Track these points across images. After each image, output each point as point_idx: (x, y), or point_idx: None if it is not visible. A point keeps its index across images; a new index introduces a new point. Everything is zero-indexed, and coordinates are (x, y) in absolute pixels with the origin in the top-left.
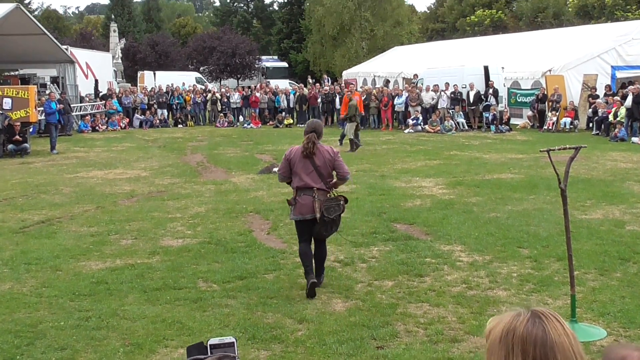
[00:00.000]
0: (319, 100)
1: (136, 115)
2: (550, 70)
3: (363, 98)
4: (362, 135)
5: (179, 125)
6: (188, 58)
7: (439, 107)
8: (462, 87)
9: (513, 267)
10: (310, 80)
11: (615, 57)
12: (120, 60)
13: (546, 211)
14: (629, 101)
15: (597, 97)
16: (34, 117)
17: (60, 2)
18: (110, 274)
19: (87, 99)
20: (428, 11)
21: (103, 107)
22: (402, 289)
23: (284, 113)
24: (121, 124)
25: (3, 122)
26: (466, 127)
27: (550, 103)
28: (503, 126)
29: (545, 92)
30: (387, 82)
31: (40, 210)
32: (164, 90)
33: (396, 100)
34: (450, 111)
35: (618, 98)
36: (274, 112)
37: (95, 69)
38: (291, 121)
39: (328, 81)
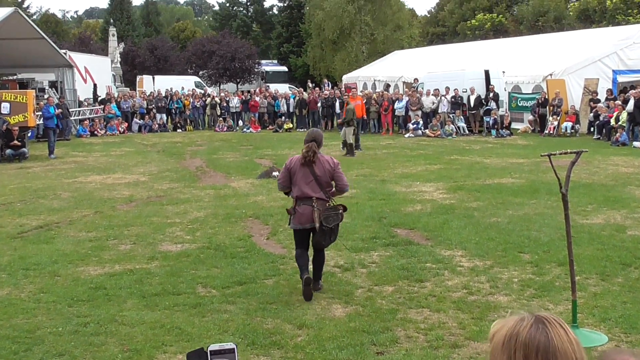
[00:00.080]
0: (319, 104)
1: (135, 119)
2: (551, 75)
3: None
4: (362, 140)
5: (178, 130)
6: (187, 62)
7: (439, 111)
8: (463, 92)
9: (514, 272)
10: (310, 85)
11: (616, 61)
12: (119, 65)
13: (547, 216)
14: (630, 105)
15: (599, 101)
16: (32, 121)
17: (58, 6)
18: (109, 279)
19: (86, 104)
20: (428, 15)
21: (102, 112)
22: (403, 294)
23: (283, 117)
24: (120, 129)
25: (1, 126)
26: (467, 132)
27: (551, 107)
28: (504, 130)
29: (547, 97)
30: (387, 86)
31: (39, 215)
32: (163, 95)
33: (396, 105)
34: (451, 115)
35: (619, 102)
36: (273, 116)
37: (94, 73)
38: (291, 126)
39: (328, 85)
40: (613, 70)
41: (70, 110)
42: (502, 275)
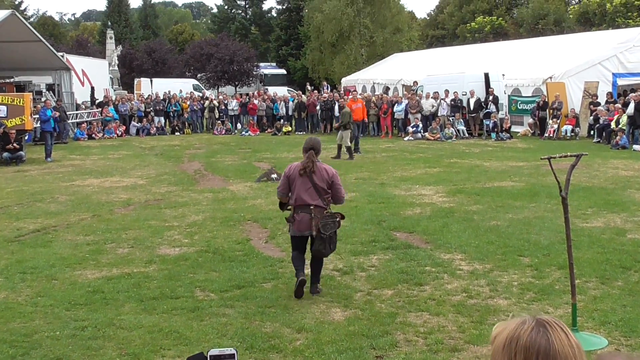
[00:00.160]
0: (318, 107)
1: (133, 122)
2: (551, 78)
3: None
4: (361, 143)
5: (176, 133)
6: (185, 65)
7: (439, 114)
8: (463, 95)
9: (514, 275)
10: (309, 87)
11: (616, 64)
12: (116, 67)
13: (547, 219)
14: (630, 108)
15: (599, 104)
16: (29, 124)
17: (56, 8)
18: (107, 283)
19: (83, 107)
20: (428, 18)
21: (99, 115)
22: (402, 297)
23: (282, 120)
24: (117, 132)
25: None
26: (466, 135)
27: (551, 110)
28: (504, 134)
29: (546, 100)
30: (386, 89)
31: (36, 218)
32: (161, 98)
33: (396, 108)
34: (451, 118)
35: (619, 105)
36: (272, 119)
37: (92, 76)
38: (289, 129)
39: (327, 88)
40: (613, 74)
41: (67, 113)
42: (502, 279)
